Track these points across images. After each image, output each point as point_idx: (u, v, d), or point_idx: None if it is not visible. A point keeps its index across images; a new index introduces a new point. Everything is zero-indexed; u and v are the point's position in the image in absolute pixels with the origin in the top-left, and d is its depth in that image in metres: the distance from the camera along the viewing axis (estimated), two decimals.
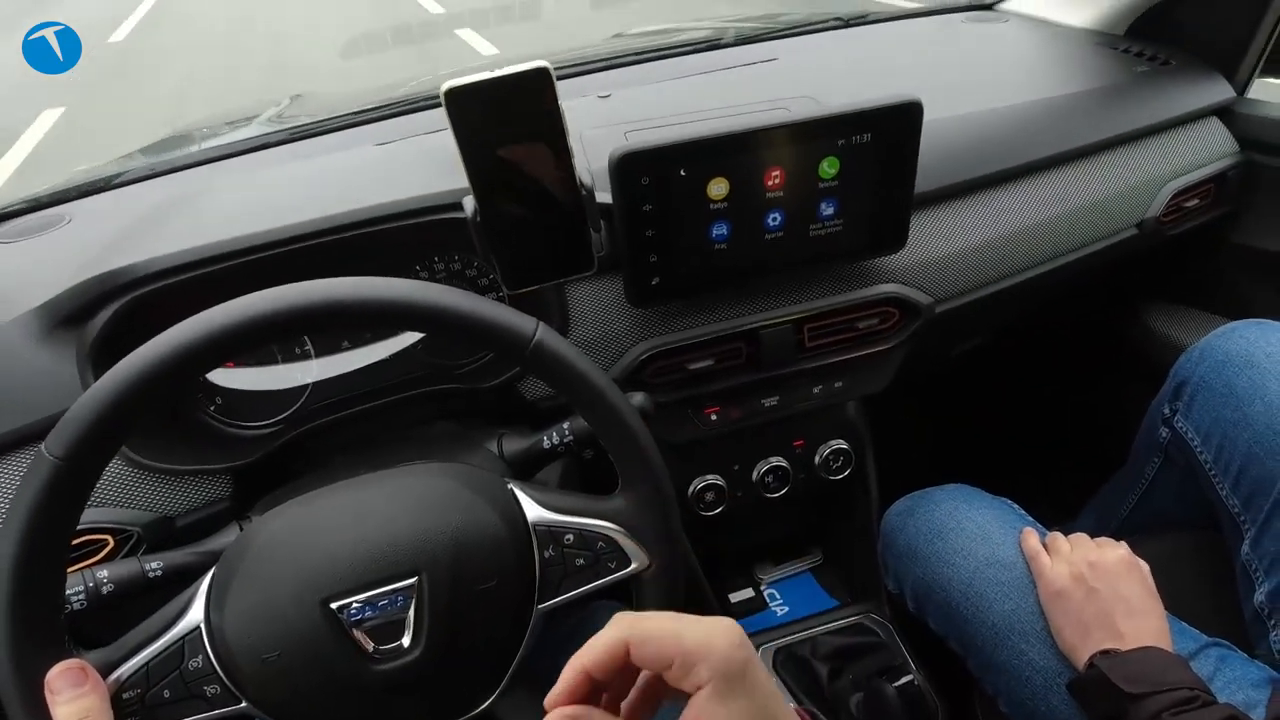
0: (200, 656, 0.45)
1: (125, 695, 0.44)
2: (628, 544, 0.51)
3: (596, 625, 0.69)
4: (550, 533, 0.51)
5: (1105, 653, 0.61)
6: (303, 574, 0.46)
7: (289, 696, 0.45)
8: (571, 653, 0.68)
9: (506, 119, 0.52)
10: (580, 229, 0.59)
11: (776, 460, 0.83)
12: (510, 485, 0.52)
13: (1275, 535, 0.68)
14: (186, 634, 0.45)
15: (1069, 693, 0.63)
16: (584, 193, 0.58)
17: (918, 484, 0.85)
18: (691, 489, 0.81)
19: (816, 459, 0.84)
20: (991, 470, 0.93)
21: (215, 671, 0.45)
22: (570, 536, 0.51)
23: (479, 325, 0.47)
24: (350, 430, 0.68)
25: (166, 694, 0.44)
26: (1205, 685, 0.58)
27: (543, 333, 0.48)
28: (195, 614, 0.46)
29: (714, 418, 0.77)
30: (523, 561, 0.50)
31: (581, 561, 0.51)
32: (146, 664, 0.44)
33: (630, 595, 0.53)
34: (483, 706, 0.50)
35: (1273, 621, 0.69)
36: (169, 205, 0.72)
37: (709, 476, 0.82)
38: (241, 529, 0.58)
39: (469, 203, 0.56)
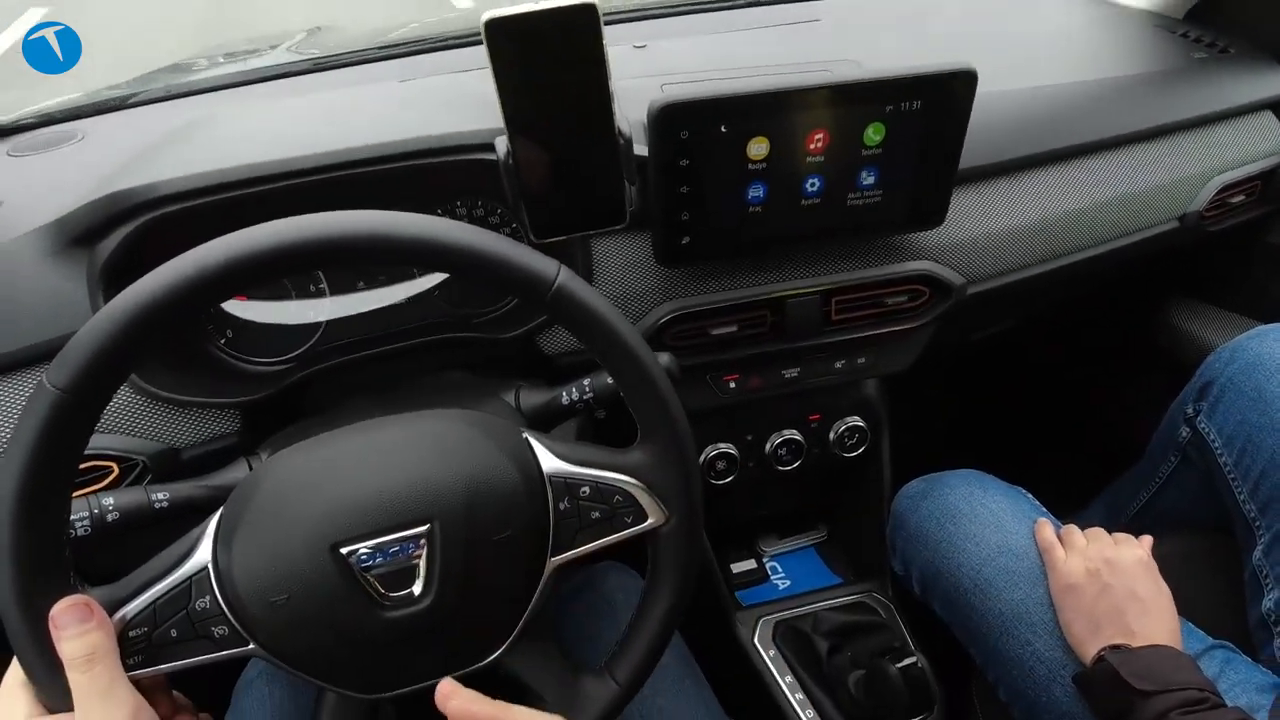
0: (208, 597, 0.44)
1: (131, 634, 0.43)
2: (645, 498, 0.50)
3: (602, 583, 0.69)
4: (566, 484, 0.49)
5: (1115, 648, 0.60)
6: (313, 517, 0.45)
7: (296, 641, 0.44)
8: (578, 607, 0.67)
9: (548, 56, 0.50)
10: (616, 180, 0.57)
11: (791, 433, 0.82)
12: (526, 435, 0.51)
13: None
14: (194, 574, 0.44)
15: (1075, 685, 0.63)
16: (622, 142, 0.55)
17: (929, 466, 0.84)
18: (704, 456, 0.80)
19: (831, 435, 0.83)
20: (1004, 456, 0.92)
21: (223, 613, 0.44)
22: (586, 489, 0.49)
23: (498, 265, 0.44)
24: (363, 373, 0.67)
25: (173, 634, 0.43)
26: (1214, 687, 0.57)
27: (565, 276, 0.46)
28: (203, 554, 0.44)
29: (733, 385, 0.76)
30: (537, 513, 0.48)
31: (597, 515, 0.49)
32: (153, 603, 0.43)
33: (644, 552, 0.52)
34: (492, 658, 0.49)
35: (1279, 629, 0.68)
36: (186, 128, 0.70)
37: (722, 445, 0.81)
38: (250, 466, 0.57)
39: (501, 143, 0.54)
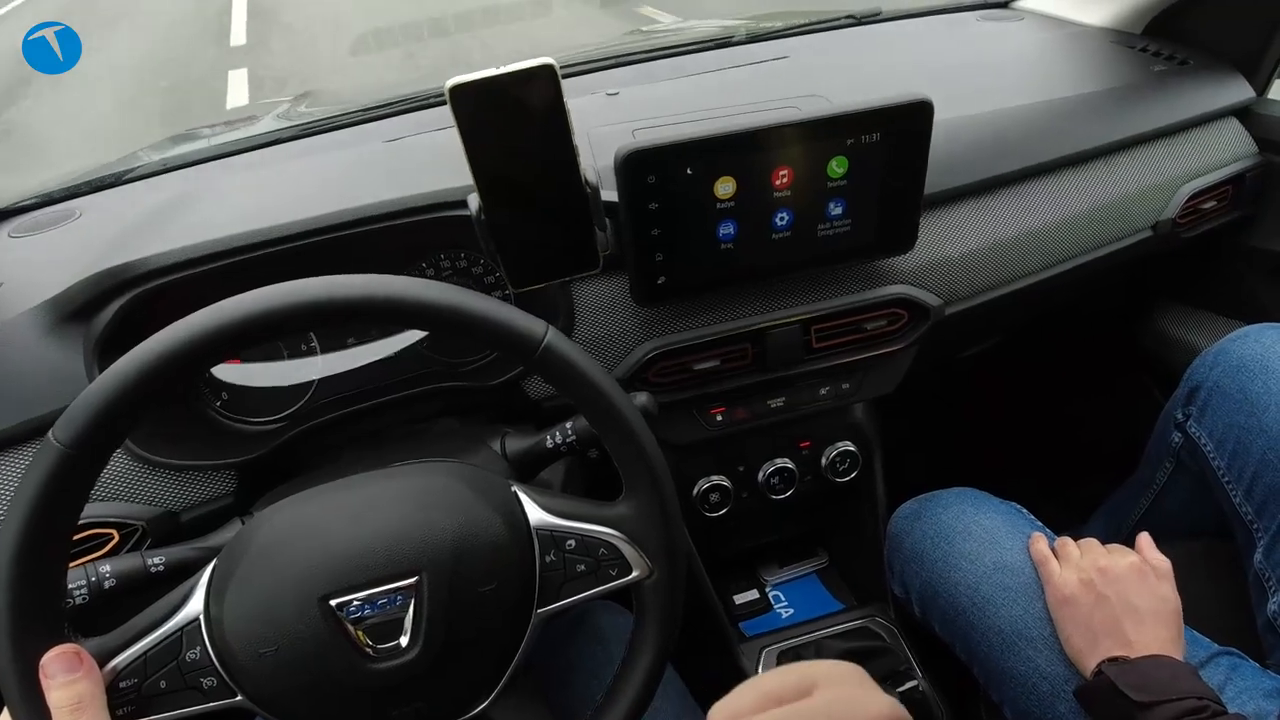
0: (198, 648, 0.45)
1: (122, 684, 0.44)
2: (629, 552, 0.51)
3: (594, 623, 0.70)
4: (552, 537, 0.50)
5: (1114, 660, 0.60)
6: (303, 570, 0.46)
7: (284, 692, 0.45)
8: (569, 649, 0.67)
9: (511, 116, 0.52)
10: (585, 227, 0.59)
11: (782, 462, 0.83)
12: (514, 488, 0.52)
13: None
14: (185, 625, 0.45)
15: (1076, 700, 0.62)
16: (589, 190, 0.57)
17: (925, 487, 0.84)
18: (696, 490, 0.81)
19: (823, 461, 0.84)
20: (1000, 474, 0.92)
21: (212, 664, 0.45)
22: (572, 542, 0.50)
23: (488, 326, 0.47)
24: (354, 428, 0.68)
25: (163, 684, 0.44)
26: (1216, 695, 0.57)
27: (552, 336, 0.48)
28: (195, 605, 0.46)
29: (719, 418, 0.77)
30: (524, 565, 0.49)
31: (583, 567, 0.50)
32: (144, 653, 0.44)
33: (632, 600, 0.53)
34: (479, 708, 0.50)
35: None
36: (177, 201, 0.72)
37: (714, 477, 0.81)
38: (244, 525, 0.58)
39: (473, 200, 0.56)
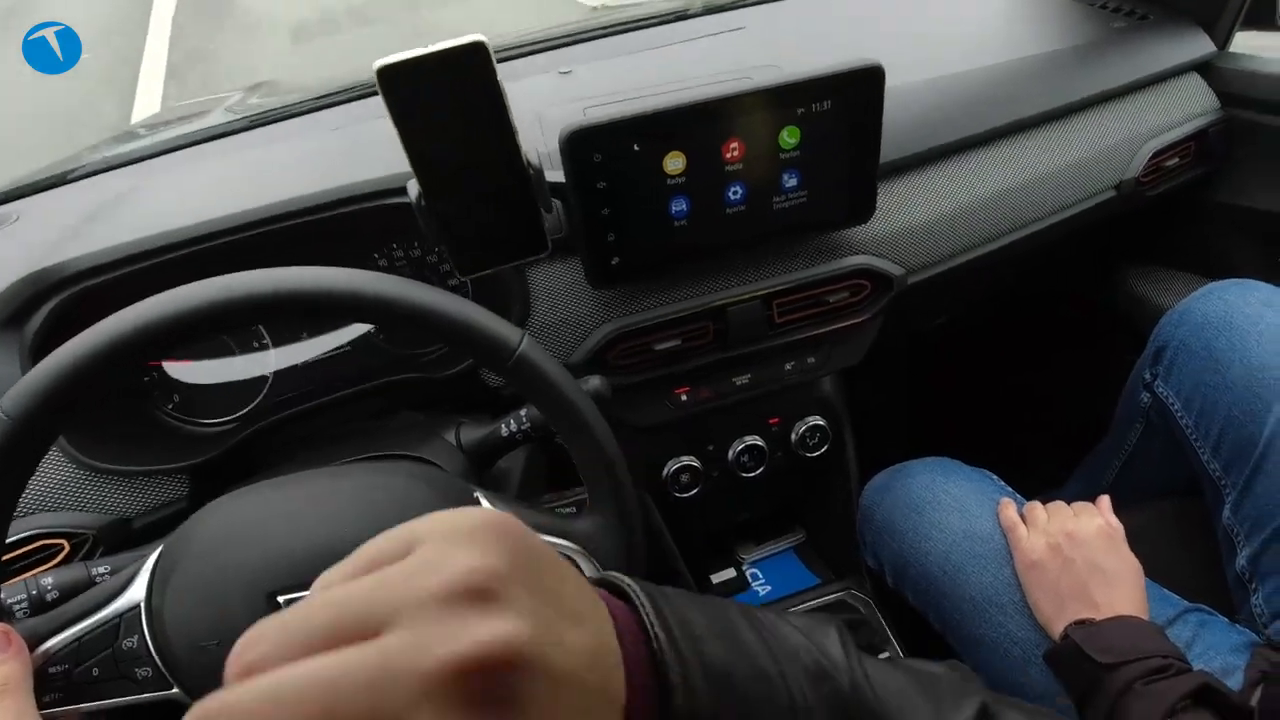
0: (135, 637, 0.44)
1: (52, 670, 0.43)
2: (587, 566, 0.50)
3: None
4: None
5: (1080, 623, 0.60)
6: (253, 564, 0.45)
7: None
8: None
9: (444, 97, 0.50)
10: (530, 210, 0.57)
11: (752, 439, 0.82)
12: (476, 494, 0.51)
13: (1256, 499, 0.67)
14: (125, 612, 0.44)
15: (1045, 664, 0.63)
16: (531, 172, 0.56)
17: (898, 459, 0.84)
18: (665, 471, 0.80)
19: (793, 436, 0.83)
20: (975, 442, 0.92)
21: (149, 654, 0.43)
22: None
23: (464, 330, 0.46)
24: (308, 425, 0.67)
25: (96, 672, 0.43)
26: (1180, 653, 0.57)
27: (527, 345, 0.48)
28: (136, 593, 0.45)
29: (684, 398, 0.76)
30: None
31: None
32: (79, 639, 0.43)
33: None
34: None
35: (1253, 586, 0.68)
36: (117, 199, 0.70)
37: (683, 458, 0.81)
38: (196, 513, 0.57)
39: (413, 186, 0.55)
